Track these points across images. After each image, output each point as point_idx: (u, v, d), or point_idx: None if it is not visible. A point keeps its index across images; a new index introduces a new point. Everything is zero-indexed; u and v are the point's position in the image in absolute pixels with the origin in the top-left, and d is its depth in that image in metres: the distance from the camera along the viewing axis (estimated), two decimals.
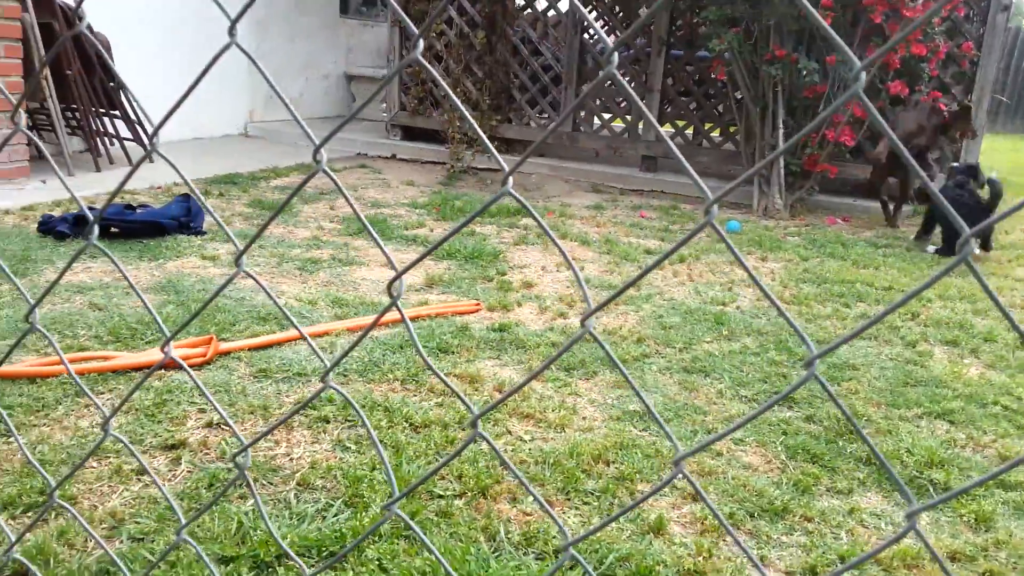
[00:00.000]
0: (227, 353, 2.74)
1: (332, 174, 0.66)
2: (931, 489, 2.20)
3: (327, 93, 9.34)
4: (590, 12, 7.36)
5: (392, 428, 2.30)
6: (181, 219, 4.24)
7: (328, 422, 2.32)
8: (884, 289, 4.07)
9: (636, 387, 0.61)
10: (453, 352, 2.91)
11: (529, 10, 7.53)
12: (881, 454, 0.56)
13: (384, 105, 8.08)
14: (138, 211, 4.24)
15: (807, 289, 4.01)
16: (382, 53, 9.47)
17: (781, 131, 5.69)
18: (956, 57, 5.93)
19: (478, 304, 3.46)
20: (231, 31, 0.67)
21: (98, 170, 5.68)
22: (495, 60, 7.14)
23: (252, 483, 0.85)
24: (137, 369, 2.56)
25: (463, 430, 2.33)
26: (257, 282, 0.79)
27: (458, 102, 0.66)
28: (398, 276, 0.66)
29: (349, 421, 2.33)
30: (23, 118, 0.88)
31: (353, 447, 2.19)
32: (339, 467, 2.07)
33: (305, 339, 0.83)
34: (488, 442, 0.69)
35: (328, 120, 9.19)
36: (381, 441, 2.22)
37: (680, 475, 0.61)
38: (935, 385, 2.89)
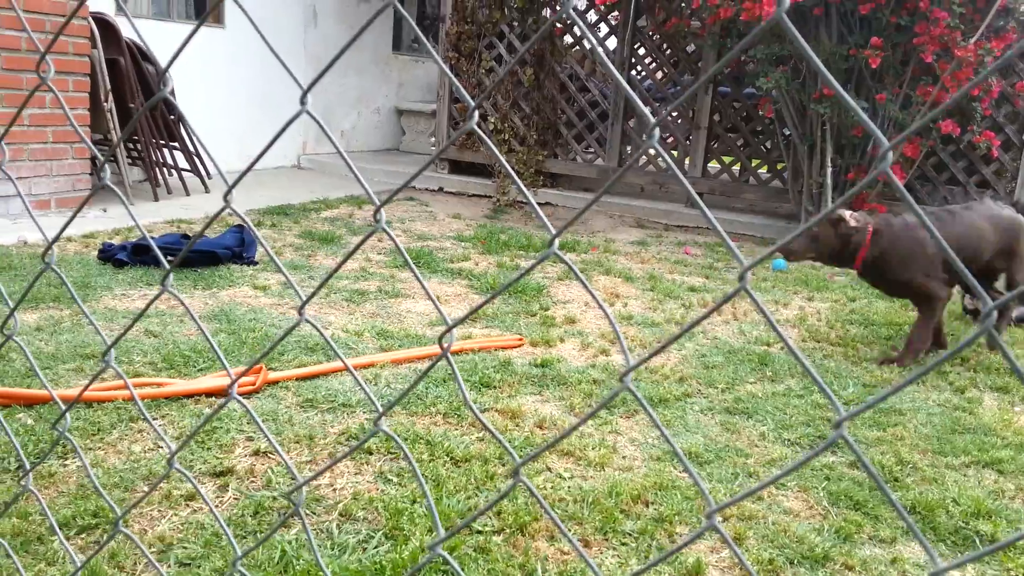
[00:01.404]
0: (275, 382, 2.81)
1: (390, 232, 0.70)
2: (976, 541, 2.16)
3: (378, 127, 9.54)
4: (637, 48, 7.42)
5: (433, 461, 2.33)
6: (235, 249, 4.36)
7: (371, 454, 2.36)
8: None
9: (671, 440, 0.63)
10: (495, 387, 2.94)
11: (577, 47, 7.63)
12: (911, 508, 0.57)
13: (433, 139, 8.22)
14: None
15: (854, 331, 3.96)
16: (432, 88, 9.65)
17: (829, 169, 5.66)
18: (1010, 96, 5.85)
19: (520, 339, 3.49)
20: (303, 100, 0.72)
21: (156, 199, 5.87)
22: (543, 96, 7.23)
23: (304, 518, 0.88)
24: (192, 396, 2.63)
25: (503, 465, 2.35)
26: (319, 331, 0.83)
27: (510, 170, 0.70)
28: (449, 329, 0.69)
29: (392, 453, 2.37)
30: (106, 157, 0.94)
31: (395, 479, 2.23)
32: (380, 499, 2.11)
33: (359, 383, 0.87)
34: (531, 490, 0.72)
35: (378, 153, 9.37)
36: (423, 475, 2.25)
37: (712, 528, 0.63)
38: (984, 433, 2.83)
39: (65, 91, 5.10)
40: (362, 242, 0.77)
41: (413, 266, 0.73)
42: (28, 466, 1.11)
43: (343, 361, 0.83)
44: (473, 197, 7.33)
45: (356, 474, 2.26)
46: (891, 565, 2.02)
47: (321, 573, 1.74)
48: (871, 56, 5.16)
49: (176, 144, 6.15)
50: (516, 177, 0.67)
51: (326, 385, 2.83)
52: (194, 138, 6.15)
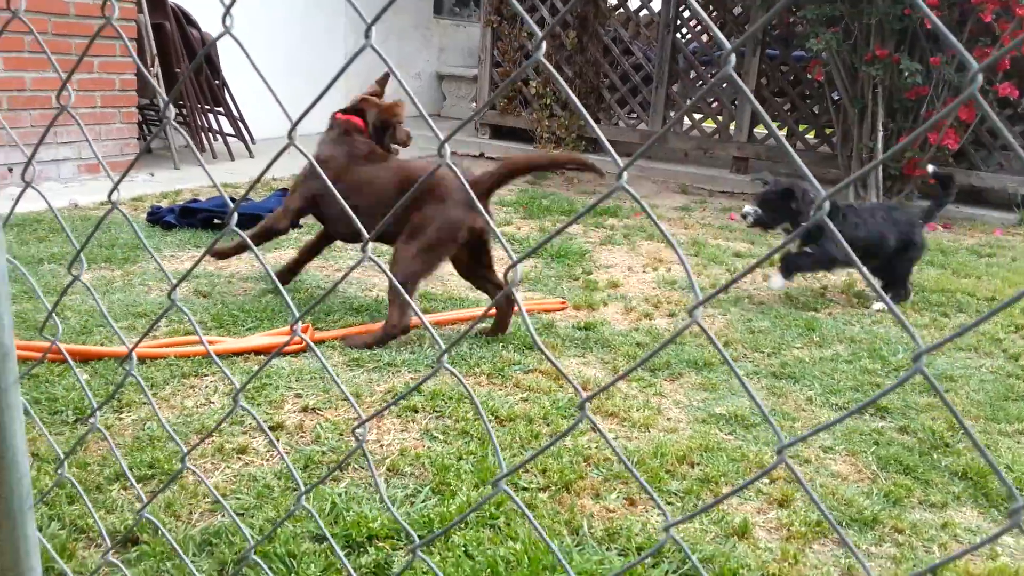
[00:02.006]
0: (322, 342, 2.84)
1: (454, 167, 0.70)
2: None
3: (418, 92, 9.52)
4: (682, 10, 7.28)
5: (478, 420, 2.34)
6: None
7: (416, 412, 2.38)
8: (987, 300, 3.91)
9: (741, 377, 0.62)
10: (538, 349, 2.94)
11: (621, 10, 7.50)
12: (986, 459, 0.56)
13: (474, 104, 8.18)
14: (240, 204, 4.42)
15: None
16: (473, 52, 9.58)
17: (881, 133, 5.52)
18: None
19: (564, 302, 3.48)
20: (367, 33, 0.72)
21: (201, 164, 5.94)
22: (586, 60, 7.14)
23: (366, 459, 0.89)
24: (249, 352, 2.67)
25: (547, 425, 2.36)
26: (382, 269, 0.83)
27: (582, 108, 0.69)
28: (514, 264, 0.69)
29: (437, 411, 2.39)
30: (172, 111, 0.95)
31: (440, 436, 2.25)
32: (427, 455, 2.13)
33: (427, 326, 0.86)
34: (595, 426, 0.72)
35: (419, 119, 9.35)
36: (466, 432, 2.27)
37: (783, 464, 0.62)
38: None
39: (112, 56, 5.16)
40: (431, 173, 0.77)
41: (495, 229, 0.73)
42: (95, 405, 1.13)
43: (417, 314, 0.83)
44: None
45: (402, 431, 2.28)
46: (941, 529, 1.99)
47: (371, 523, 1.77)
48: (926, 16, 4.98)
49: (221, 109, 6.20)
50: (586, 115, 0.66)
51: None
52: (235, 103, 6.19)
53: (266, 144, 6.87)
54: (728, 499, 2.03)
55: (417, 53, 9.33)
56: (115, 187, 0.93)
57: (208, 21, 5.96)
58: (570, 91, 0.67)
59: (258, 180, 0.82)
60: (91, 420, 1.05)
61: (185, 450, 1.07)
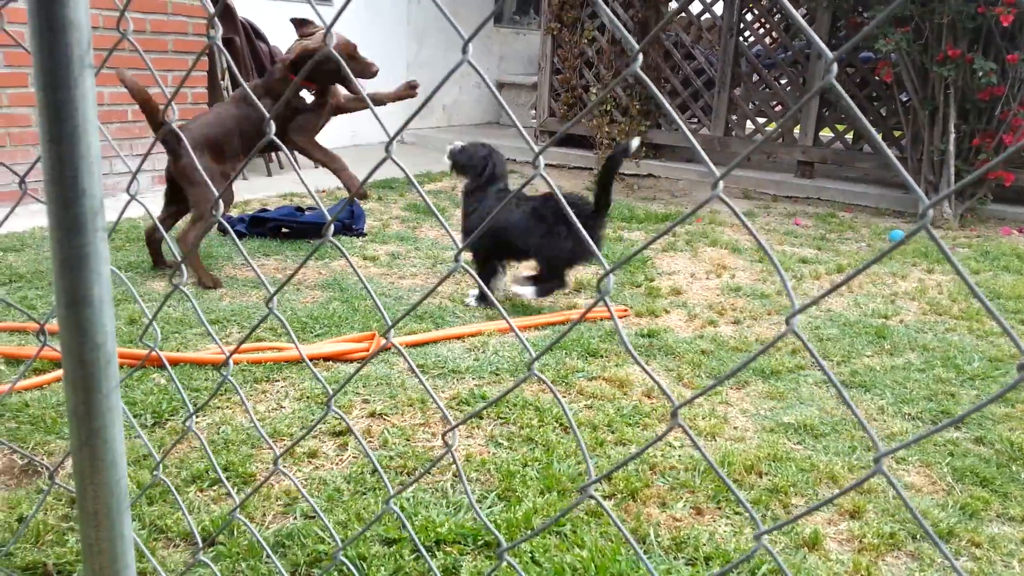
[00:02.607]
0: (388, 349, 2.89)
1: (548, 177, 0.71)
2: None
3: (479, 101, 9.60)
4: (745, 13, 7.18)
5: (543, 427, 2.36)
6: (345, 221, 4.49)
7: (481, 418, 2.40)
8: None
9: (840, 388, 0.62)
10: (601, 356, 2.94)
11: (683, 14, 7.45)
12: None
13: (533, 112, 8.21)
14: (306, 213, 4.53)
15: (978, 305, 3.76)
16: (532, 60, 9.62)
17: (952, 135, 5.36)
18: None
19: (626, 310, 3.47)
20: (464, 48, 0.74)
21: (269, 175, 6.09)
22: (646, 65, 7.10)
23: (455, 464, 0.92)
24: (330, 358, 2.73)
25: (612, 432, 2.36)
26: (472, 276, 0.85)
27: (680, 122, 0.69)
28: (608, 272, 0.70)
29: (502, 418, 2.41)
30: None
31: (505, 443, 2.27)
32: (492, 461, 2.15)
33: (517, 333, 0.88)
34: (687, 433, 0.72)
35: (479, 127, 9.43)
36: (531, 439, 2.28)
37: (879, 473, 0.62)
38: None
39: (184, 70, 5.33)
40: (524, 184, 0.78)
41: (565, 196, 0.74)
42: (192, 409, 1.18)
43: (507, 320, 0.85)
44: (574, 169, 7.30)
45: (468, 437, 2.31)
46: (1022, 544, 1.93)
47: (438, 528, 1.79)
48: (1002, 14, 4.83)
49: None
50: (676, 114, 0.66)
51: (435, 352, 2.89)
52: None
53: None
54: (797, 509, 2.00)
55: (477, 62, 9.28)
56: (215, 202, 0.97)
57: (274, 35, 6.12)
58: (663, 100, 0.67)
59: (363, 182, 0.84)
60: (187, 423, 1.09)
61: (278, 452, 1.10)
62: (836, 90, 0.60)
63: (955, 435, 2.46)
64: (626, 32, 0.67)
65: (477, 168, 3.49)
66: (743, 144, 7.04)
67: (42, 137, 0.85)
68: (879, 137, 5.47)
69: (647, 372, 0.73)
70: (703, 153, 0.65)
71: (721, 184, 0.62)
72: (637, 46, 0.62)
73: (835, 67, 0.57)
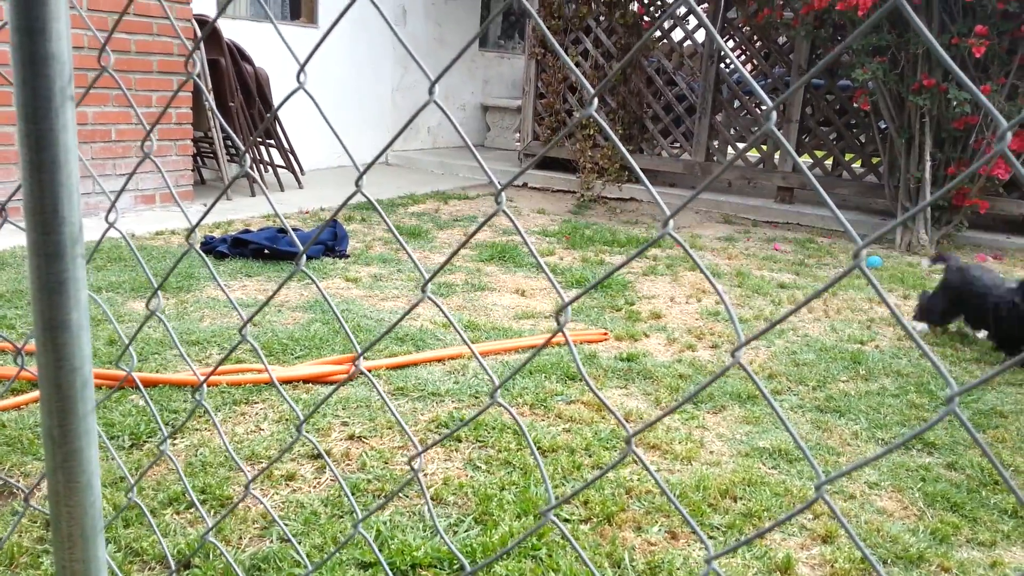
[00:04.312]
0: (355, 377, 2.89)
1: (512, 216, 0.74)
2: None
3: (463, 123, 9.66)
4: (726, 41, 7.31)
5: (521, 451, 2.37)
6: (327, 243, 4.50)
7: (460, 441, 2.41)
8: None
9: (780, 413, 0.65)
10: (580, 380, 2.96)
11: (664, 40, 7.55)
12: (1012, 512, 0.57)
13: (518, 135, 8.28)
14: (286, 236, 4.54)
15: (952, 329, 3.82)
16: (517, 84, 9.72)
17: (928, 163, 5.46)
18: None
19: (606, 333, 3.50)
20: (431, 90, 0.76)
21: (253, 195, 6.10)
22: (629, 91, 7.20)
23: (421, 489, 0.93)
24: (304, 380, 2.74)
25: (589, 456, 2.38)
26: (440, 309, 0.87)
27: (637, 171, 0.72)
28: (565, 306, 0.72)
29: (480, 441, 2.42)
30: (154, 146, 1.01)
31: (483, 467, 2.28)
32: (470, 485, 2.16)
33: (479, 361, 0.89)
34: (641, 461, 0.75)
35: (463, 149, 9.48)
36: (508, 462, 2.29)
37: (821, 499, 0.64)
38: None
39: (170, 90, 5.35)
40: (485, 221, 0.81)
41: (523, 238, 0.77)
42: (166, 433, 1.19)
43: (469, 347, 0.87)
44: (557, 192, 7.35)
45: (446, 460, 2.32)
46: (990, 569, 1.96)
47: (414, 551, 1.80)
48: (975, 45, 4.94)
49: (272, 142, 6.38)
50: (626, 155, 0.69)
51: (416, 374, 2.90)
52: (286, 136, 6.36)
53: (315, 175, 7.03)
54: (770, 534, 2.03)
55: (462, 85, 9.49)
56: (193, 229, 0.99)
57: (260, 56, 6.15)
58: (619, 144, 0.70)
59: (339, 209, 0.86)
60: (162, 447, 1.10)
61: (250, 477, 1.11)
62: (777, 136, 0.63)
63: (927, 460, 2.49)
64: (583, 78, 0.70)
65: None
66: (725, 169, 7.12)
67: (23, 166, 0.87)
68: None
69: (602, 400, 0.75)
70: (655, 193, 0.67)
71: (671, 223, 0.64)
72: (592, 90, 0.65)
73: (774, 115, 0.60)
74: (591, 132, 7.07)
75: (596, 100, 0.66)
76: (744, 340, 0.65)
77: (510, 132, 9.54)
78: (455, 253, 0.83)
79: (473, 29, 9.49)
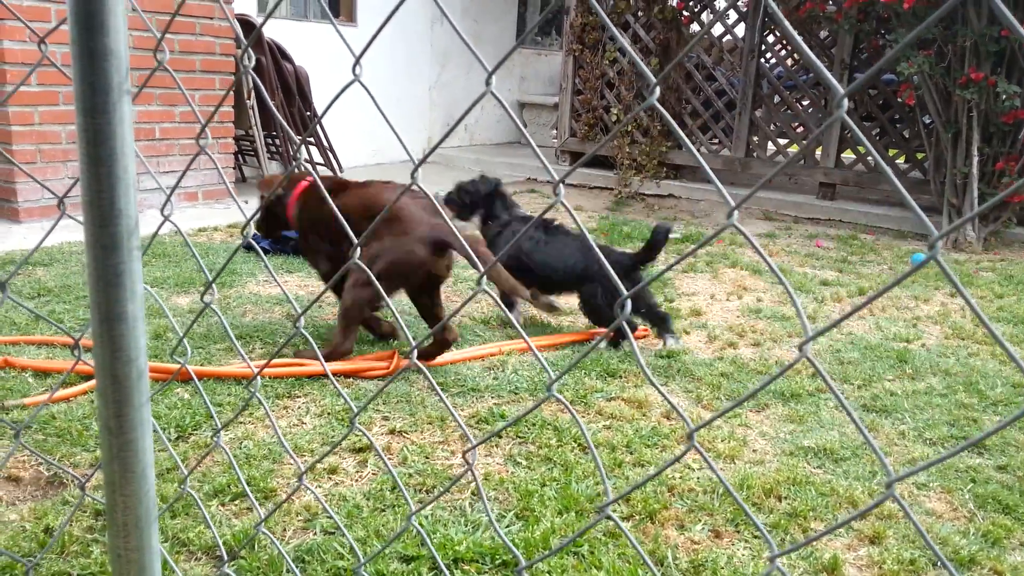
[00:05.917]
0: (408, 368, 2.91)
1: (570, 208, 0.73)
2: None
3: (500, 121, 9.67)
4: (767, 36, 7.20)
5: (561, 447, 2.36)
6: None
7: (500, 437, 2.41)
8: None
9: (852, 413, 0.63)
10: (620, 376, 2.94)
11: (705, 36, 7.48)
12: None
13: (554, 132, 8.26)
14: None
15: (1002, 329, 3.73)
16: (554, 81, 9.69)
17: (976, 159, 5.34)
18: None
19: (646, 330, 3.47)
20: (488, 80, 0.76)
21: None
22: (667, 86, 7.14)
23: (475, 482, 0.94)
24: (352, 375, 2.76)
25: (631, 453, 2.36)
26: (495, 300, 0.87)
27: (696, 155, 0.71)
28: (625, 298, 0.71)
29: (520, 437, 2.42)
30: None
31: (524, 463, 2.27)
32: (511, 480, 2.16)
33: (538, 357, 0.89)
34: (702, 455, 0.74)
35: (500, 146, 9.49)
36: (549, 459, 2.29)
37: (891, 497, 0.63)
38: None
39: (212, 89, 5.43)
40: (544, 212, 0.80)
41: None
42: (219, 424, 1.20)
43: (525, 338, 0.87)
44: (595, 189, 7.32)
45: (486, 456, 2.32)
46: None
47: (456, 546, 1.80)
48: None
49: (312, 140, 6.43)
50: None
51: (455, 371, 2.91)
52: (325, 134, 6.42)
53: (353, 172, 7.08)
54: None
55: (500, 82, 9.48)
56: (247, 223, 1.00)
57: (299, 55, 6.21)
58: (675, 125, 0.69)
59: (396, 199, 0.86)
60: (215, 439, 1.11)
61: (303, 469, 1.12)
62: (849, 124, 0.61)
63: (977, 461, 2.43)
64: (644, 66, 0.69)
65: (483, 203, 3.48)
66: (764, 165, 7.04)
67: (81, 159, 0.89)
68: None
69: (667, 399, 0.74)
70: (720, 185, 0.66)
71: (736, 214, 0.63)
72: (654, 79, 0.64)
73: (845, 102, 0.58)
74: (629, 128, 7.03)
75: (658, 89, 0.65)
76: (812, 334, 0.64)
77: (547, 129, 9.51)
78: (512, 244, 0.83)
79: (510, 25, 9.49)
